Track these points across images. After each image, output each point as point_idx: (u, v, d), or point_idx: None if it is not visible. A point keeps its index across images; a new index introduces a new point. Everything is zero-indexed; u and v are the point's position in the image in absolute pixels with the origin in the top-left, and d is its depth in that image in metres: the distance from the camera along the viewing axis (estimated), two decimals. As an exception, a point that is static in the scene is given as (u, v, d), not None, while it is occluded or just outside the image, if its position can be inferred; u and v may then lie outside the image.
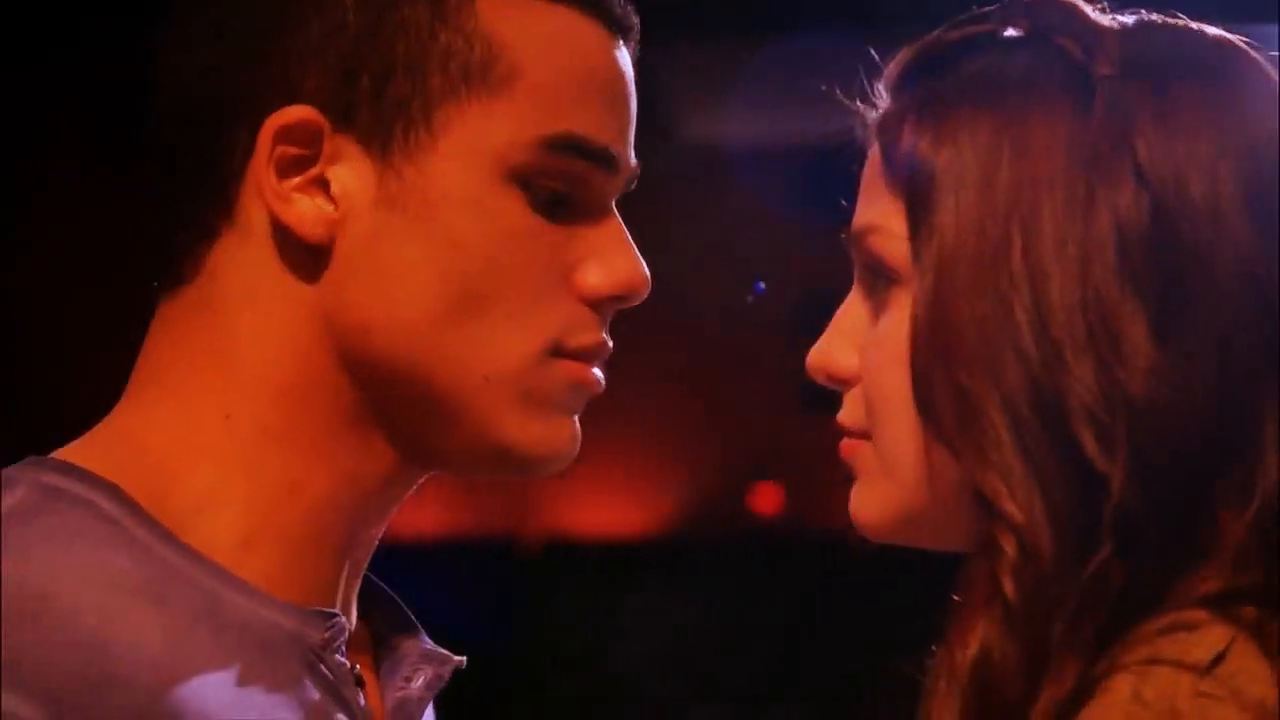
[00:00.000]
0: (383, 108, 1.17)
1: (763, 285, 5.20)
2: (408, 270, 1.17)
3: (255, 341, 1.17)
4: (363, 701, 1.18)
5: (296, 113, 1.16)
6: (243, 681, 1.11)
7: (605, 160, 1.21)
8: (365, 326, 1.17)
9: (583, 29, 1.22)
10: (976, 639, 1.12)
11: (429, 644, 1.26)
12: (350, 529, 1.20)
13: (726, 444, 5.93)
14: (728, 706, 6.25)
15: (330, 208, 1.17)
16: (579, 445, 1.23)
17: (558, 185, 1.20)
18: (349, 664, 1.18)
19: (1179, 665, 1.07)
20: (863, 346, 1.22)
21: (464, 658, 1.25)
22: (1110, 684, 1.08)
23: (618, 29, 1.24)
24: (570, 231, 1.20)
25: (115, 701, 1.06)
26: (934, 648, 1.15)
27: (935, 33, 1.22)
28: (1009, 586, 1.11)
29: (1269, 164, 1.13)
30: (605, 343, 1.22)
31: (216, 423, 1.17)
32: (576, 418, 1.23)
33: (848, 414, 1.23)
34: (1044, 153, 1.13)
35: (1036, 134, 1.13)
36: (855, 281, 1.24)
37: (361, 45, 1.17)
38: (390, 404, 1.18)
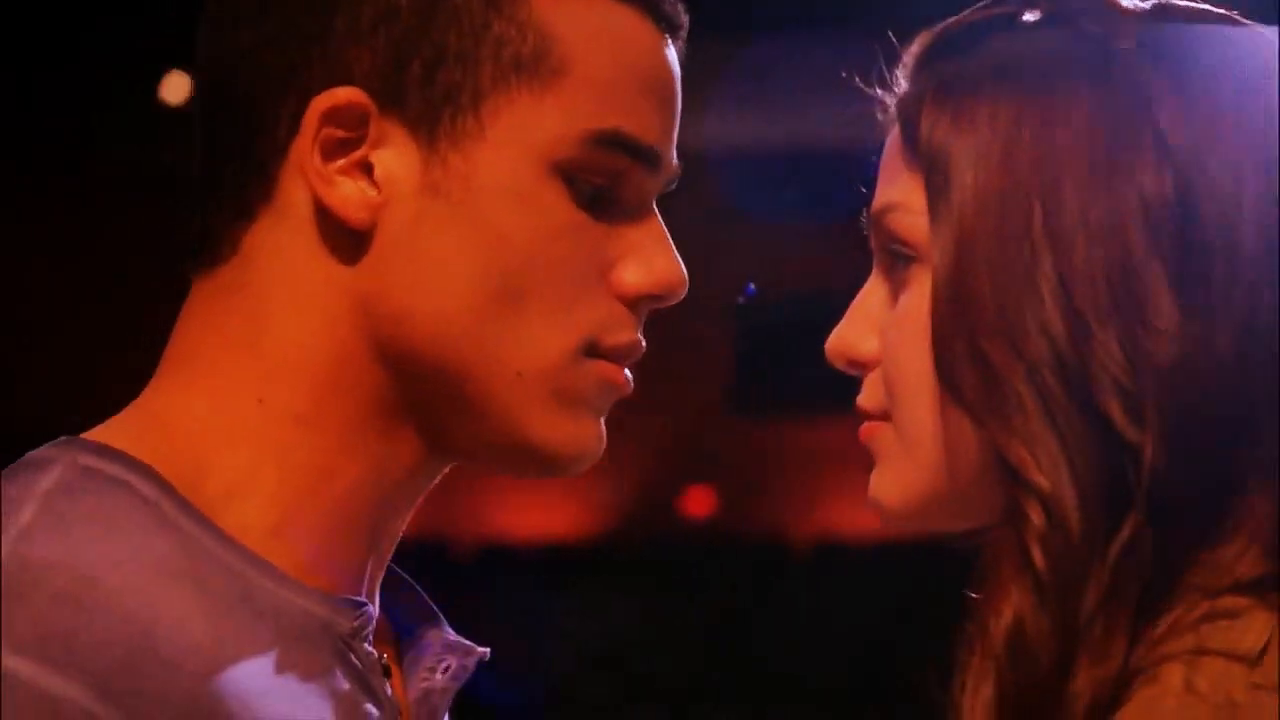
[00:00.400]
0: (432, 94, 1.15)
1: (753, 287, 5.19)
2: (448, 259, 1.15)
3: (290, 325, 1.15)
4: (389, 691, 1.17)
5: (344, 94, 1.14)
6: (280, 669, 1.10)
7: (650, 159, 1.20)
8: (402, 313, 1.15)
9: (635, 25, 1.20)
10: (1010, 608, 1.11)
11: (452, 635, 1.23)
12: (377, 519, 1.18)
13: (658, 447, 5.95)
14: (661, 706, 6.27)
15: (373, 192, 1.15)
16: (604, 446, 1.21)
17: (601, 181, 1.18)
18: (376, 654, 1.16)
19: (1230, 656, 1.06)
20: (883, 328, 1.21)
21: (488, 649, 1.23)
22: (1159, 674, 1.07)
23: (668, 27, 1.22)
24: (610, 229, 1.19)
25: (161, 685, 1.04)
26: (964, 622, 1.14)
27: (956, 17, 1.23)
28: (1038, 556, 1.10)
29: None
30: (640, 342, 1.21)
31: (249, 407, 1.15)
32: (603, 419, 1.22)
33: (867, 397, 1.23)
34: (1065, 124, 1.13)
35: (1057, 107, 1.14)
36: (875, 266, 1.23)
37: (413, 30, 1.15)
38: (421, 394, 1.17)
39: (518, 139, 1.16)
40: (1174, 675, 1.06)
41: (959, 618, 1.15)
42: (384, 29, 1.15)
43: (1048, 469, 1.11)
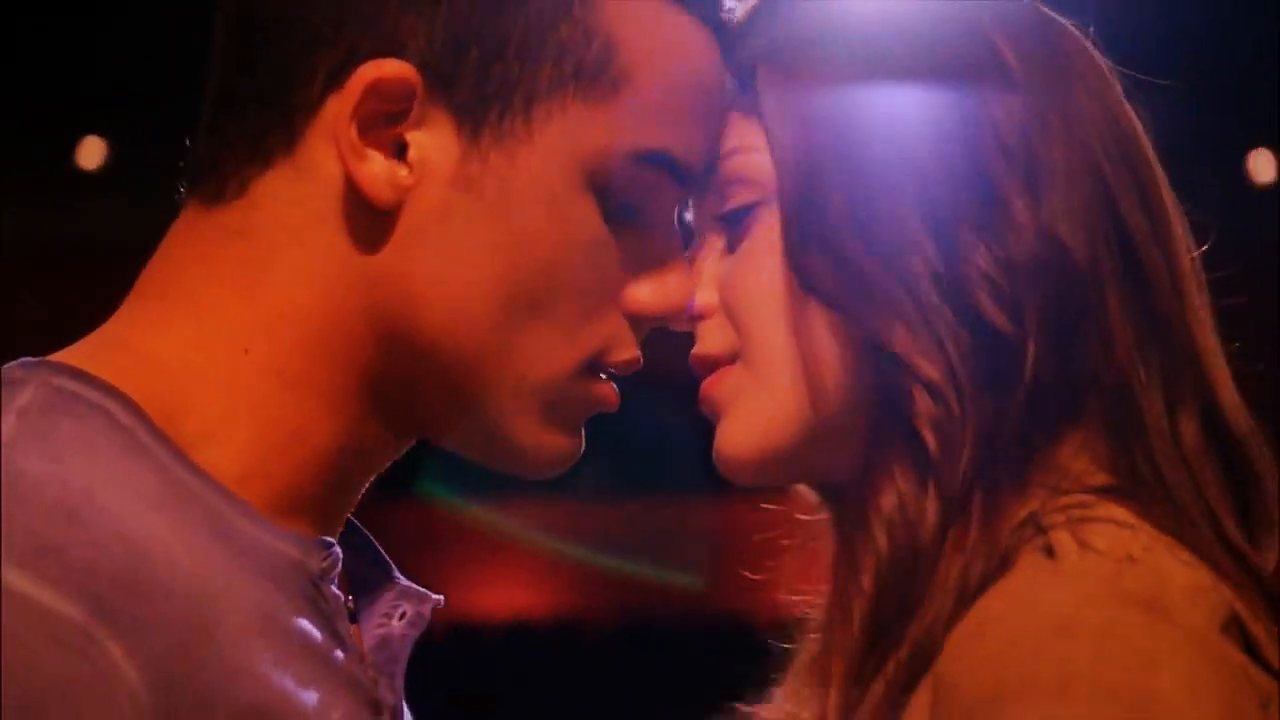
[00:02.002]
0: (485, 86, 1.11)
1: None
2: (472, 255, 1.12)
3: (290, 284, 1.11)
4: (352, 635, 1.13)
5: (396, 69, 1.09)
6: (259, 607, 1.06)
7: (688, 179, 1.19)
8: (415, 300, 1.12)
9: (696, 39, 1.19)
10: (894, 491, 1.15)
11: (404, 580, 1.21)
12: (341, 480, 1.15)
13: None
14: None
15: (404, 172, 1.11)
16: (580, 454, 1.21)
17: (633, 197, 1.16)
18: (341, 596, 1.13)
19: (1115, 523, 1.11)
20: (721, 276, 1.23)
21: (441, 596, 1.21)
22: (1049, 541, 1.10)
23: (725, 41, 1.21)
24: (630, 243, 1.17)
25: (155, 609, 0.99)
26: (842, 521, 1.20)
27: None
28: (930, 438, 1.15)
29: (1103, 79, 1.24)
30: (640, 359, 1.20)
31: (234, 354, 1.11)
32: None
33: (708, 342, 1.24)
34: (909, 59, 1.20)
35: (903, 46, 1.20)
36: (702, 238, 1.26)
37: (478, 15, 1.10)
38: (410, 375, 1.14)
39: (562, 148, 1.13)
40: (1064, 539, 1.09)
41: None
42: (448, 6, 1.10)
43: (932, 359, 1.16)
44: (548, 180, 1.13)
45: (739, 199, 1.23)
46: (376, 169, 1.10)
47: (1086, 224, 1.18)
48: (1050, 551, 1.09)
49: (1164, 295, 1.20)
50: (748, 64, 1.23)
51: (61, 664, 0.95)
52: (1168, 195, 1.23)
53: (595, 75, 1.13)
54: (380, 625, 1.17)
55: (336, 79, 1.10)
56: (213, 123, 1.14)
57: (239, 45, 1.13)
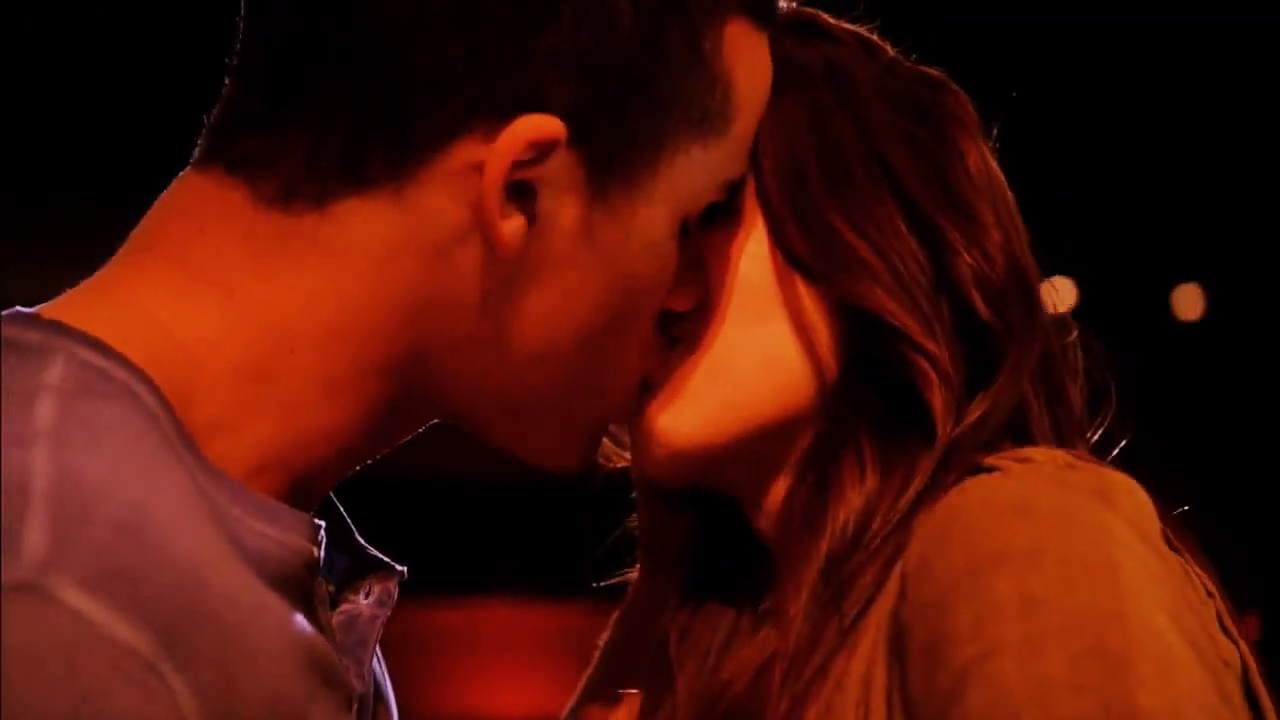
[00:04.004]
0: (619, 137, 1.08)
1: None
2: (580, 300, 1.10)
3: (363, 307, 1.07)
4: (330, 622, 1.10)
5: (551, 127, 1.05)
6: (285, 626, 1.00)
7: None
8: (509, 337, 1.10)
9: (768, 59, 1.18)
10: (857, 491, 1.22)
11: (360, 541, 1.16)
12: (353, 468, 1.13)
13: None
14: None
15: (528, 221, 1.07)
16: None
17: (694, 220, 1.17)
18: (323, 586, 1.09)
19: (1045, 450, 1.20)
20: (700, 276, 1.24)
21: (405, 568, 1.16)
22: (993, 464, 1.17)
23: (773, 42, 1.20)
24: None
25: (210, 639, 0.93)
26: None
27: None
28: (933, 400, 1.22)
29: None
30: None
31: (277, 352, 1.05)
32: None
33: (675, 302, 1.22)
34: (872, 101, 1.28)
35: (857, 84, 1.29)
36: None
37: (623, 67, 1.07)
38: (469, 397, 1.12)
39: (677, 191, 1.12)
40: (1004, 462, 1.17)
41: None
42: (594, 61, 1.06)
43: (920, 324, 1.23)
44: (659, 225, 1.12)
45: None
46: (515, 226, 1.06)
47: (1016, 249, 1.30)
48: (993, 469, 1.17)
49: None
50: None
51: (126, 698, 0.89)
52: None
53: (714, 120, 1.12)
54: (347, 601, 1.13)
55: (467, 121, 1.05)
56: (272, 117, 1.07)
57: (335, 51, 1.06)
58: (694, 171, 1.12)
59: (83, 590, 0.89)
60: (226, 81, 1.11)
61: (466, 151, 1.05)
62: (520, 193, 1.07)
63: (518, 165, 1.05)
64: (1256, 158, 5.01)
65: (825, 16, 1.32)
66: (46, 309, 1.04)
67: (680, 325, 1.23)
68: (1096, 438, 1.32)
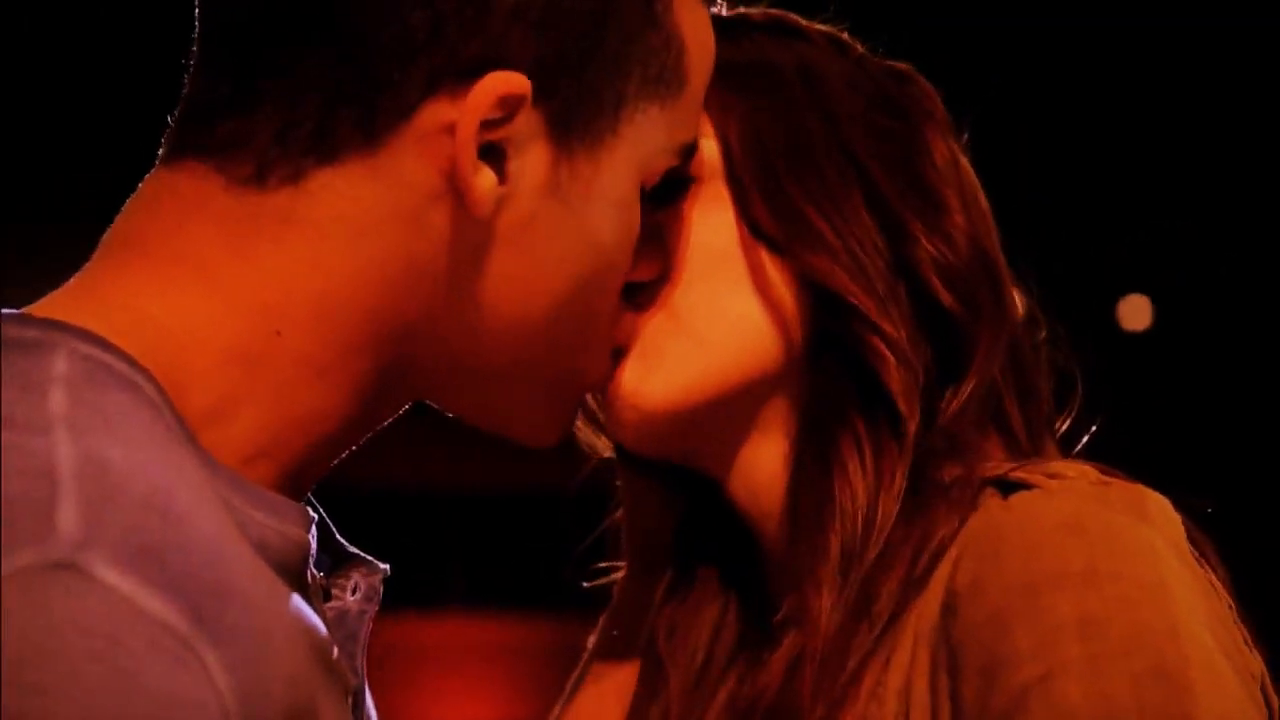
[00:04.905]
0: (582, 95, 1.10)
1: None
2: (551, 261, 1.12)
3: (344, 281, 1.07)
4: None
5: (519, 82, 1.06)
6: (293, 612, 1.01)
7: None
8: (484, 302, 1.11)
9: (710, 28, 1.22)
10: (857, 468, 1.23)
11: (339, 539, 1.15)
12: (342, 452, 1.13)
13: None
14: None
15: (498, 181, 1.08)
16: None
17: (654, 185, 1.19)
18: (316, 578, 1.10)
19: (1067, 466, 1.21)
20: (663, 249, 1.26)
21: (387, 565, 1.16)
22: (1023, 479, 1.18)
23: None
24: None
25: (236, 615, 0.94)
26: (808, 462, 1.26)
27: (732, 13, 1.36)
28: (891, 380, 1.24)
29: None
30: None
31: (262, 335, 1.05)
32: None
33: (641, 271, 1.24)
34: (841, 97, 1.31)
35: (829, 80, 1.31)
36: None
37: (581, 23, 1.09)
38: (449, 367, 1.13)
39: (636, 151, 1.14)
40: (1034, 477, 1.18)
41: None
42: (552, 15, 1.08)
43: (877, 305, 1.25)
44: (621, 184, 1.14)
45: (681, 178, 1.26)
46: (486, 183, 1.07)
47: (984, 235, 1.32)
48: (1026, 485, 1.18)
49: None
50: None
51: (163, 673, 0.89)
52: None
53: (670, 78, 1.15)
54: (335, 597, 1.13)
55: (434, 85, 1.06)
56: (239, 99, 1.07)
57: (299, 28, 1.07)
58: (653, 131, 1.14)
59: (117, 567, 0.90)
60: (187, 76, 1.11)
61: (436, 114, 1.06)
62: (489, 154, 1.08)
63: (487, 125, 1.06)
64: (1205, 168, 5.04)
65: (796, 17, 1.35)
66: (34, 309, 1.04)
67: (645, 293, 1.25)
68: (1062, 432, 1.34)
